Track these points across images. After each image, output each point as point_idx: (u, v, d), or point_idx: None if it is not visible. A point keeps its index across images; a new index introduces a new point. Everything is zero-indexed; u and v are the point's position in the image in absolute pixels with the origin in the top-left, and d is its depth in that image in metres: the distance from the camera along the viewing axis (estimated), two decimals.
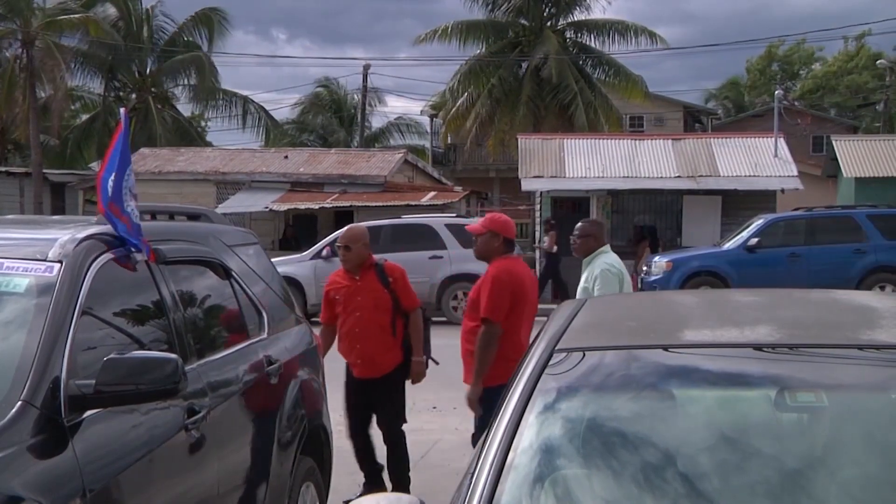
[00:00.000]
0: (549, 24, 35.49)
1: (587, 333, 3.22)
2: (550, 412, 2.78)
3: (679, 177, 24.24)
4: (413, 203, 25.27)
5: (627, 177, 24.22)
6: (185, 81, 39.87)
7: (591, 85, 34.68)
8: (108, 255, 3.98)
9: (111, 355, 3.53)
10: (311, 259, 20.15)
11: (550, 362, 2.91)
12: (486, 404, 6.09)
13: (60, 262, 3.76)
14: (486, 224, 6.51)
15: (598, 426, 2.78)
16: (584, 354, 2.96)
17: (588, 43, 35.60)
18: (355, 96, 44.38)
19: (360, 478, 7.12)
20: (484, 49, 35.58)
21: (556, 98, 33.44)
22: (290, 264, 19.05)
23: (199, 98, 39.62)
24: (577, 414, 2.79)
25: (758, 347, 2.94)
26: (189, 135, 38.87)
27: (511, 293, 6.22)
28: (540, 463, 2.65)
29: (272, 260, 6.17)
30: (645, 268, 20.77)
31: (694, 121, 50.05)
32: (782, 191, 23.98)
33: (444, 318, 19.89)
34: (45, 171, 33.16)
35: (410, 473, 7.02)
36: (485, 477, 2.55)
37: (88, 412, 3.45)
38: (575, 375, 2.89)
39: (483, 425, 6.20)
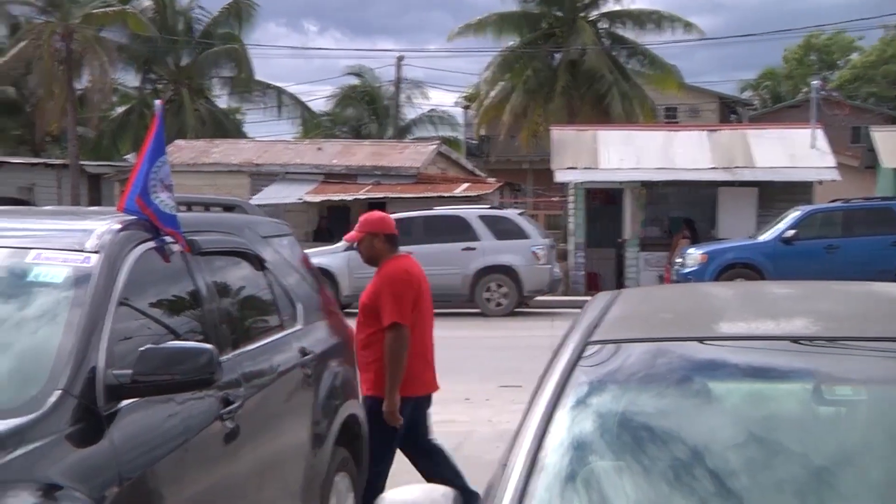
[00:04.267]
0: (582, 14, 35.33)
1: (621, 326, 3.20)
2: (583, 406, 2.76)
3: (714, 168, 24.06)
4: (446, 194, 25.25)
5: (662, 168, 24.07)
6: (221, 73, 40.07)
7: (626, 75, 34.50)
8: (144, 246, 4.01)
9: (148, 345, 3.56)
10: (345, 251, 20.18)
11: (583, 355, 2.89)
12: (404, 412, 5.93)
13: (98, 252, 3.79)
14: (360, 228, 6.17)
15: (631, 420, 2.75)
16: (617, 347, 2.94)
17: (622, 33, 35.42)
18: (392, 88, 44.38)
19: (394, 468, 7.12)
20: (517, 40, 35.48)
21: (590, 89, 33.30)
22: (323, 255, 19.10)
23: (236, 89, 39.81)
24: (610, 408, 2.77)
25: (795, 340, 2.91)
26: (224, 127, 39.05)
27: (411, 291, 6.05)
28: (572, 458, 2.63)
29: (306, 251, 6.18)
30: (679, 260, 20.67)
31: (729, 111, 49.68)
32: (820, 182, 23.77)
33: (477, 310, 19.88)
34: (81, 162, 33.43)
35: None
36: (516, 472, 2.54)
37: (125, 402, 3.48)
38: (608, 368, 2.87)
39: (408, 435, 6.10)
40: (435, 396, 9.90)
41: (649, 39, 34.95)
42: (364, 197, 26.20)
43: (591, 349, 2.91)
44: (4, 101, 38.97)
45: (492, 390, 11.04)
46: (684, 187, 24.25)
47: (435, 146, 30.75)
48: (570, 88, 33.59)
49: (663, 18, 34.46)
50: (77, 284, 3.65)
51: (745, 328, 3.18)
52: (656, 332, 3.13)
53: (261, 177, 28.42)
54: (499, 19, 34.98)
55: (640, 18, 34.82)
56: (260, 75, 41.63)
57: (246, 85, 39.78)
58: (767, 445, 2.66)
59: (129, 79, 41.01)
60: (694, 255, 20.06)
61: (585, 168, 24.51)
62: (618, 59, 35.07)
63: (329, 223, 27.66)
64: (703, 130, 26.68)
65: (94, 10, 34.28)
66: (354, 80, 47.05)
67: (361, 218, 6.36)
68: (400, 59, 41.35)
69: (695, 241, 22.42)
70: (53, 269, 3.72)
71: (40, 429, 3.15)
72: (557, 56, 35.18)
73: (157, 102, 4.47)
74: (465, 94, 44.90)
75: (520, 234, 20.14)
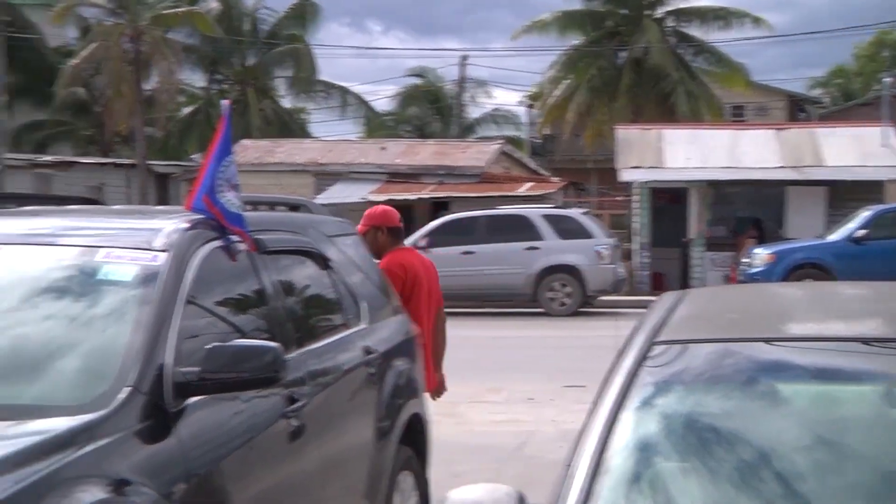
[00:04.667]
0: (648, 12, 35.07)
1: (687, 326, 3.16)
2: (648, 407, 2.73)
3: (782, 167, 23.74)
4: (509, 194, 25.21)
5: (728, 167, 23.79)
6: (285, 73, 40.44)
7: (692, 74, 34.20)
8: (211, 245, 4.05)
9: (214, 343, 3.60)
10: None
11: (649, 355, 2.86)
12: None
13: (166, 251, 3.83)
14: (365, 222, 6.43)
15: (697, 422, 2.72)
16: (684, 347, 2.90)
17: (688, 31, 35.10)
18: (455, 87, 44.44)
19: (457, 467, 7.14)
20: (582, 39, 35.33)
21: (655, 87, 33.06)
22: None
23: (297, 89, 40.15)
24: (675, 409, 2.74)
25: (866, 341, 2.86)
26: (289, 127, 39.38)
27: (403, 284, 6.18)
28: (637, 459, 2.61)
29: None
30: (746, 260, 20.43)
31: (798, 109, 48.98)
32: (892, 181, 23.33)
33: (540, 310, 19.82)
34: (149, 162, 33.92)
35: (507, 463, 7.00)
36: (581, 473, 2.52)
37: (192, 399, 3.51)
38: (674, 369, 2.84)
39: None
40: (499, 396, 9.95)
41: (716, 37, 34.62)
42: (427, 196, 26.27)
43: (656, 349, 2.88)
44: (75, 102, 39.67)
45: (555, 390, 11.00)
46: (751, 187, 23.95)
47: (499, 145, 30.72)
48: (634, 87, 33.37)
49: (731, 15, 34.10)
50: (145, 283, 3.70)
51: (814, 329, 3.13)
52: (723, 333, 3.10)
53: (325, 176, 28.62)
54: (563, 18, 34.87)
55: (707, 15, 34.49)
56: (324, 75, 42.02)
57: (309, 84, 40.09)
58: (836, 449, 2.62)
59: (196, 79, 41.58)
60: (761, 255, 19.81)
61: (650, 167, 24.32)
62: (684, 57, 34.78)
63: None
64: (771, 129, 26.33)
65: (163, 12, 34.79)
66: (418, 80, 47.19)
67: (366, 212, 6.57)
68: (464, 58, 41.41)
69: (762, 240, 22.13)
70: (122, 267, 3.77)
71: (110, 425, 3.20)
72: (622, 54, 34.97)
73: (224, 103, 4.51)
74: (528, 93, 44.81)
75: (584, 233, 20.05)
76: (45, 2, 39.47)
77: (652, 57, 32.82)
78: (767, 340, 2.95)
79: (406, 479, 5.33)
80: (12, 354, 3.54)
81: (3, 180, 27.59)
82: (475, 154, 29.30)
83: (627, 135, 25.92)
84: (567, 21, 34.88)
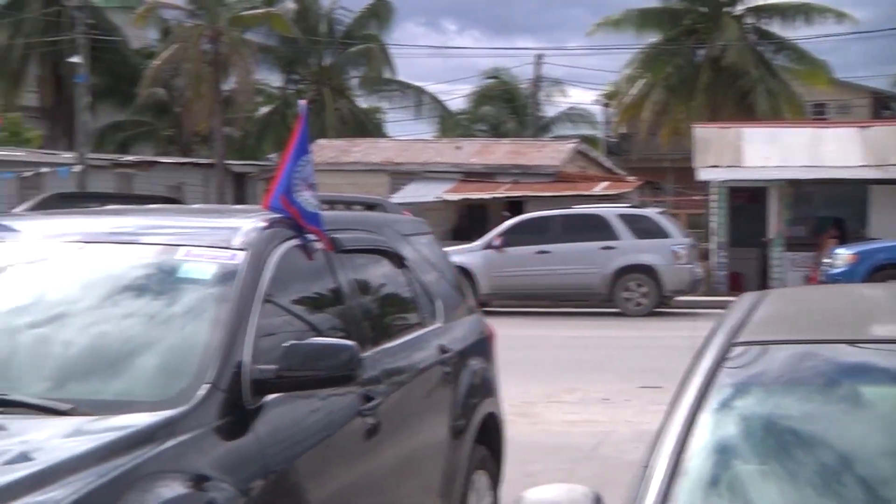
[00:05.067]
0: (727, 9, 34.64)
1: (767, 327, 3.12)
2: (727, 409, 2.70)
3: (865, 166, 23.26)
4: (585, 193, 25.09)
5: (809, 166, 23.38)
6: (360, 73, 40.71)
7: (772, 71, 33.70)
8: (288, 244, 4.09)
9: (292, 341, 3.63)
10: (483, 249, 20.25)
11: (728, 356, 2.83)
12: None
13: (244, 249, 3.87)
14: None
15: (777, 424, 2.69)
16: (764, 349, 2.86)
17: (768, 28, 34.59)
18: (530, 86, 44.35)
19: (532, 467, 7.12)
20: (659, 37, 35.03)
21: (734, 86, 32.65)
22: (461, 254, 19.20)
23: (368, 88, 40.43)
24: (755, 411, 2.71)
25: None
26: (365, 126, 39.63)
27: None
28: (716, 462, 2.58)
29: (444, 249, 6.22)
30: (827, 260, 20.08)
31: (882, 107, 47.98)
32: None
33: (615, 310, 19.70)
34: (227, 162, 34.39)
35: (582, 464, 6.97)
36: (658, 474, 2.50)
37: (269, 396, 3.54)
38: (754, 370, 2.80)
39: None
40: (574, 396, 9.93)
41: (798, 33, 34.07)
42: (502, 196, 26.25)
43: (735, 350, 2.85)
44: (156, 103, 40.36)
45: (631, 390, 10.92)
46: (832, 186, 23.51)
47: (574, 144, 30.59)
48: (712, 85, 32.99)
49: (813, 10, 33.53)
50: (224, 281, 3.74)
51: None
52: (804, 334, 3.05)
53: (400, 175, 28.75)
54: (640, 16, 34.62)
55: (788, 11, 33.96)
56: (400, 75, 42.18)
57: (382, 84, 40.33)
58: None
59: (273, 79, 42.05)
60: (843, 256, 19.45)
61: (728, 166, 24.02)
62: (763, 55, 34.28)
63: (467, 222, 27.80)
64: (854, 127, 25.82)
65: (241, 13, 35.25)
66: (495, 77, 47.15)
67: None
68: (539, 56, 41.30)
69: (843, 240, 21.73)
70: (201, 265, 3.81)
71: (189, 421, 3.24)
72: (700, 52, 34.60)
73: (302, 103, 4.55)
74: (604, 92, 44.55)
75: (660, 232, 19.89)
76: (127, 4, 40.25)
77: (731, 54, 32.40)
78: (850, 342, 2.90)
79: (481, 479, 5.33)
80: (95, 351, 3.60)
81: (86, 180, 28.18)
82: (550, 153, 29.21)
83: (705, 133, 25.63)
84: (644, 19, 34.61)
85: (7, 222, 4.44)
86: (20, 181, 27.54)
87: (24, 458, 2.95)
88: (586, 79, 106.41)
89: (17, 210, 11.40)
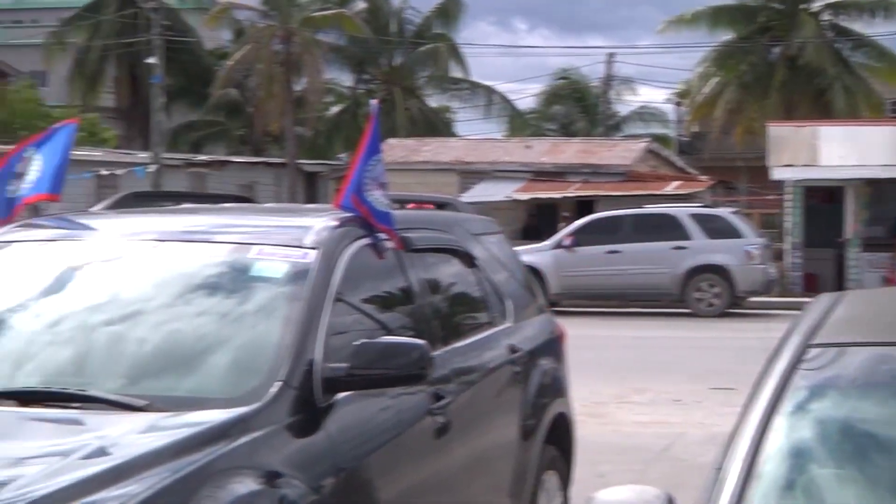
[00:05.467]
0: (803, 6, 34.11)
1: (844, 329, 3.06)
2: (802, 411, 2.65)
3: None
4: (656, 192, 24.89)
5: (889, 165, 22.91)
6: (430, 73, 40.83)
7: (850, 69, 33.10)
8: (359, 243, 4.10)
9: (363, 340, 3.64)
10: (553, 248, 20.19)
11: (803, 358, 2.78)
12: None
13: (316, 248, 3.89)
14: None
15: (854, 428, 2.64)
16: (840, 351, 2.81)
17: (847, 25, 33.98)
18: (601, 85, 44.12)
19: (602, 468, 7.08)
20: (733, 35, 34.61)
21: (810, 84, 32.14)
22: (531, 253, 19.15)
23: (437, 87, 40.55)
24: (831, 414, 2.66)
25: None
26: (435, 126, 39.73)
27: None
28: (791, 466, 2.54)
29: (514, 249, 6.20)
30: None
31: None
32: None
33: (687, 310, 19.52)
34: (298, 161, 34.69)
35: (653, 465, 6.92)
36: (732, 477, 2.47)
37: (340, 394, 3.56)
38: (830, 373, 2.75)
39: None
40: (645, 397, 9.84)
41: (877, 30, 33.42)
42: (572, 195, 26.14)
43: (811, 352, 2.80)
44: (228, 103, 40.90)
45: (703, 392, 10.81)
46: None
47: (645, 143, 30.38)
48: (788, 83, 32.51)
49: (893, 6, 32.85)
50: (296, 280, 3.77)
51: None
52: (882, 336, 2.99)
53: (469, 175, 28.77)
54: (713, 13, 34.23)
55: (866, 8, 33.31)
56: (471, 74, 42.20)
57: (451, 83, 40.41)
58: None
59: (344, 79, 42.33)
60: None
61: (804, 165, 23.65)
62: (841, 52, 33.69)
63: (537, 221, 27.74)
64: None
65: (313, 14, 35.55)
66: (565, 77, 46.98)
67: None
68: (610, 55, 41.06)
69: None
70: (274, 264, 3.85)
71: (262, 418, 3.27)
72: (775, 50, 34.12)
73: (373, 102, 4.57)
74: (676, 91, 44.13)
75: (733, 232, 19.68)
76: (201, 5, 40.83)
77: (807, 52, 31.89)
78: None
79: (551, 479, 5.31)
80: (169, 348, 3.65)
81: (160, 179, 28.63)
82: (621, 152, 29.03)
83: (780, 132, 25.27)
84: (717, 16, 34.22)
85: (85, 221, 4.53)
86: (97, 180, 28.08)
87: (101, 452, 3.00)
88: (658, 77, 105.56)
89: (95, 209, 11.61)
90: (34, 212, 5.79)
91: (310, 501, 3.22)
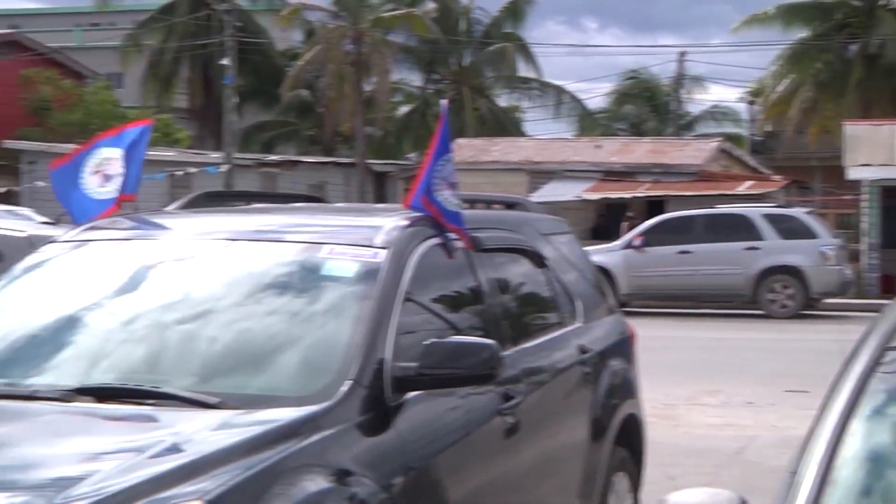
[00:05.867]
0: (882, 2, 33.46)
1: None
2: (880, 416, 2.60)
3: None
4: (728, 192, 24.61)
5: None
6: (499, 72, 40.80)
7: None
8: (429, 243, 4.11)
9: (433, 339, 3.65)
10: (623, 248, 20.06)
11: (881, 361, 2.73)
12: None
13: (386, 248, 3.90)
14: None
15: None
16: None
17: None
18: (675, 84, 43.72)
19: (673, 470, 7.02)
20: (808, 32, 34.07)
21: (888, 82, 31.53)
22: (601, 254, 19.05)
23: (506, 87, 40.52)
24: None
25: None
26: (504, 125, 39.68)
27: None
28: (868, 471, 2.49)
29: (584, 249, 6.17)
30: None
31: None
32: None
33: (759, 312, 19.27)
34: (367, 161, 34.88)
35: (725, 468, 6.84)
36: (807, 482, 2.42)
37: (410, 393, 3.57)
38: None
39: None
40: (717, 399, 9.73)
41: None
42: (643, 195, 25.95)
43: (890, 355, 2.74)
44: (299, 103, 41.25)
45: (776, 394, 10.66)
46: None
47: (717, 143, 30.05)
48: (865, 81, 31.92)
49: None
50: (366, 279, 3.78)
51: None
52: None
53: (538, 175, 28.69)
54: (788, 11, 33.74)
55: None
56: (537, 73, 42.06)
57: (520, 82, 40.33)
58: None
59: (414, 79, 42.47)
60: None
61: (881, 165, 23.24)
62: None
63: (607, 221, 27.58)
64: None
65: (383, 14, 35.73)
66: (634, 77, 46.66)
67: None
68: (682, 54, 40.66)
69: None
70: (344, 263, 3.86)
71: (333, 417, 3.29)
72: (852, 48, 33.52)
73: (443, 102, 4.57)
74: (749, 89, 43.57)
75: (807, 233, 19.39)
76: (273, 7, 41.25)
77: (887, 49, 31.28)
78: None
79: (621, 481, 5.27)
80: (240, 346, 3.69)
81: (232, 179, 28.97)
82: (693, 152, 28.75)
83: (856, 131, 24.85)
84: (792, 14, 33.71)
85: (159, 220, 4.60)
86: (170, 180, 28.52)
87: (175, 449, 3.04)
88: (730, 76, 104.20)
89: (169, 208, 11.78)
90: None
91: (380, 500, 3.23)
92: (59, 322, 3.90)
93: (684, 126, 44.57)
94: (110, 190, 4.51)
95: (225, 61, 30.20)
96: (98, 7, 42.26)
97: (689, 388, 10.86)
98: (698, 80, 44.32)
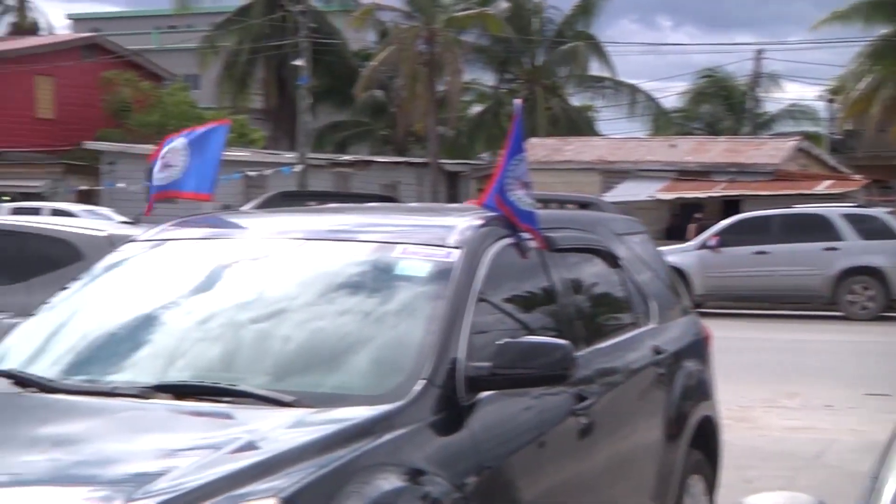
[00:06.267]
0: None
1: None
2: None
3: None
4: (806, 192, 24.22)
5: None
6: (572, 71, 40.61)
7: None
8: (502, 242, 4.10)
9: (506, 339, 3.64)
10: (698, 249, 19.85)
11: None
12: None
13: (459, 248, 3.90)
14: None
15: None
16: None
17: None
18: (752, 82, 43.15)
19: (749, 473, 6.92)
20: (891, 29, 33.38)
21: None
22: (675, 254, 18.86)
23: (578, 86, 40.34)
24: None
25: None
26: (577, 125, 39.51)
27: None
28: None
29: (658, 249, 6.11)
30: None
31: None
32: None
33: (838, 313, 18.93)
34: (440, 161, 34.94)
35: (803, 472, 6.73)
36: (890, 488, 2.37)
37: (483, 393, 3.56)
38: None
39: None
40: (795, 401, 9.61)
41: None
42: (718, 195, 25.64)
43: None
44: (372, 103, 41.49)
45: (856, 398, 10.46)
46: None
47: (795, 142, 29.60)
48: None
49: None
50: (439, 279, 3.78)
51: None
52: None
53: (612, 174, 28.52)
54: (869, 7, 33.10)
55: None
56: (613, 72, 41.79)
57: (593, 81, 40.11)
58: None
59: (487, 79, 42.44)
60: None
61: None
62: None
63: (681, 221, 27.31)
64: None
65: (456, 14, 35.77)
66: (709, 76, 46.13)
67: None
68: (759, 52, 40.12)
69: None
70: (417, 263, 3.87)
71: (405, 416, 3.29)
72: None
73: (517, 102, 4.55)
74: (829, 87, 42.83)
75: (889, 233, 19.01)
76: (346, 7, 41.53)
77: None
78: None
79: (696, 483, 5.22)
80: (314, 345, 3.71)
81: (306, 179, 29.24)
82: (770, 151, 28.36)
83: None
84: (873, 10, 33.06)
85: (235, 220, 4.65)
86: (245, 180, 28.86)
87: (250, 446, 3.07)
88: (809, 74, 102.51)
89: (244, 208, 11.93)
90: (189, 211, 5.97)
91: (453, 499, 3.23)
92: (137, 320, 3.95)
93: (761, 125, 43.97)
94: (164, 177, 4.65)
95: (299, 62, 30.50)
96: (176, 10, 42.91)
97: (766, 391, 10.70)
98: (775, 78, 43.70)
